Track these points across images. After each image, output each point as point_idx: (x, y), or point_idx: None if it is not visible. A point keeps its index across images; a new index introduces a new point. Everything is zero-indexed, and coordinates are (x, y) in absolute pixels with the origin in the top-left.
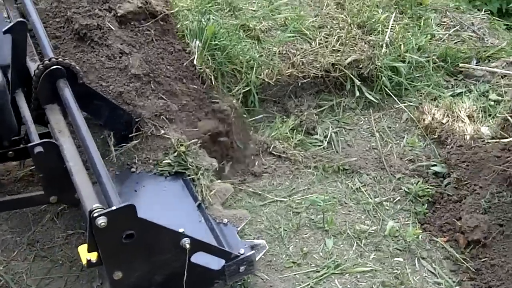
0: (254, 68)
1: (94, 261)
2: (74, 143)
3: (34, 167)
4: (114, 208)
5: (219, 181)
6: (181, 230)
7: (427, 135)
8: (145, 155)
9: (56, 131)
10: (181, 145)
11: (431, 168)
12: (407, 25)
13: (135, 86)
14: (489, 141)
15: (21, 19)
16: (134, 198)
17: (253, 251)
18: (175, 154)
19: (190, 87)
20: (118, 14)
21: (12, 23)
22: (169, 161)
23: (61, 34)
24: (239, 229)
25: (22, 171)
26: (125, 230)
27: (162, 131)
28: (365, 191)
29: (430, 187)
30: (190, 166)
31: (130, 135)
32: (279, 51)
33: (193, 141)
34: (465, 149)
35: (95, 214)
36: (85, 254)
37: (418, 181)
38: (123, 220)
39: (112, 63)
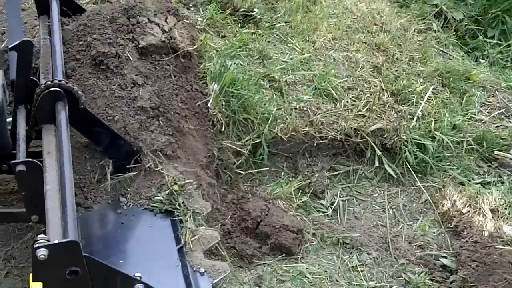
0: (269, 121)
1: None
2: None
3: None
4: (56, 242)
5: (204, 227)
6: (137, 275)
7: (443, 222)
8: (139, 188)
9: (45, 152)
10: (175, 183)
11: (439, 259)
12: (447, 99)
13: (140, 118)
14: (510, 244)
15: (27, 38)
16: (117, 229)
17: None
18: (168, 192)
19: (198, 128)
20: (140, 46)
21: (18, 41)
22: (161, 198)
23: (80, 57)
24: (214, 282)
25: (2, 188)
26: (69, 266)
27: (160, 167)
28: (361, 271)
29: (434, 281)
30: (178, 207)
31: (128, 166)
32: (300, 107)
33: (188, 181)
34: (479, 247)
35: (36, 245)
36: (32, 283)
37: (422, 272)
38: (66, 255)
39: (123, 92)
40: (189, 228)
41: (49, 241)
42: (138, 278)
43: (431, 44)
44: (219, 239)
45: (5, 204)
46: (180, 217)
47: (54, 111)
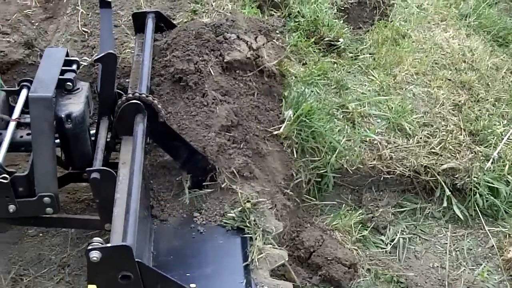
0: (336, 151)
1: None
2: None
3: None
4: (108, 245)
5: (272, 246)
6: (192, 286)
7: (506, 269)
8: (213, 204)
9: (120, 162)
10: (248, 201)
11: None
12: None
13: (219, 141)
14: None
15: (111, 51)
16: (188, 243)
17: None
18: (240, 209)
19: (276, 149)
20: (225, 60)
21: (102, 54)
22: (233, 215)
23: (164, 73)
24: None
25: (86, 194)
26: (121, 271)
27: (235, 186)
28: None
29: None
30: (249, 224)
31: (204, 183)
32: (370, 140)
33: (261, 200)
34: None
35: (90, 247)
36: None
37: None
38: (118, 259)
39: (200, 110)
40: (257, 246)
41: (102, 244)
42: None
43: None
44: (287, 259)
45: (71, 212)
46: (250, 235)
47: (134, 123)
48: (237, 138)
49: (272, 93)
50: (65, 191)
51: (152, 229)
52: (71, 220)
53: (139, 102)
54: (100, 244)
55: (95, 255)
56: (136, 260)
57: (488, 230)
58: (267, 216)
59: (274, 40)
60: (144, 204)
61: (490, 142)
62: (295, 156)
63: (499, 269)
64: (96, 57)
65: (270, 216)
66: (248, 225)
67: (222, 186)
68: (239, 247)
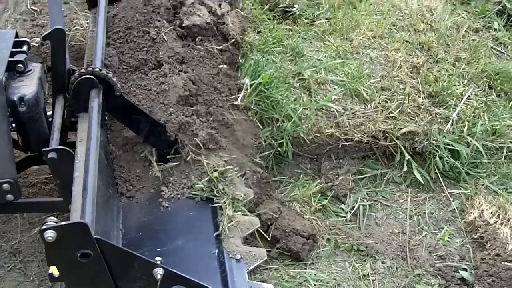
0: (292, 121)
1: (56, 276)
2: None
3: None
4: (63, 223)
5: (243, 213)
6: (158, 259)
7: (468, 232)
8: (180, 177)
9: (78, 140)
10: (215, 170)
11: (459, 271)
12: (491, 103)
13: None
14: None
15: (59, 26)
16: (157, 218)
17: None
18: (208, 179)
19: (243, 118)
20: (183, 25)
21: (49, 30)
22: (201, 185)
23: (117, 44)
24: (250, 268)
25: (38, 178)
26: (79, 249)
27: (200, 157)
28: (373, 280)
29: None
30: (217, 194)
31: (168, 156)
32: (326, 107)
33: (229, 167)
34: (499, 261)
35: (44, 227)
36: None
37: (438, 284)
38: (75, 237)
39: (155, 81)
40: (227, 214)
41: (57, 223)
42: (158, 262)
43: (486, 43)
44: (259, 225)
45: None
46: (220, 204)
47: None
48: (200, 111)
49: (234, 62)
50: (33, 174)
51: (120, 206)
52: (33, 204)
53: (92, 76)
54: (54, 223)
55: (50, 234)
56: (94, 236)
57: (450, 193)
58: (236, 184)
59: (238, 10)
60: (108, 182)
61: (450, 103)
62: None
63: (461, 232)
64: (44, 34)
65: (240, 183)
66: (217, 194)
67: (187, 159)
68: (210, 218)
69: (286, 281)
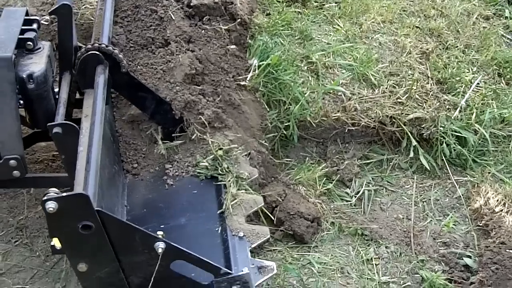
0: (299, 103)
1: (58, 248)
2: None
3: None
4: (64, 195)
5: (246, 192)
6: (159, 233)
7: (473, 219)
8: (185, 155)
9: (83, 115)
10: (220, 149)
11: (463, 258)
12: (500, 90)
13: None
14: None
15: (66, 1)
16: (162, 196)
17: (248, 271)
18: (212, 157)
19: (250, 98)
20: (191, 4)
21: (57, 5)
22: (206, 164)
23: (125, 23)
24: (253, 246)
25: (45, 154)
26: (81, 221)
27: (205, 136)
28: (376, 265)
29: (452, 281)
30: (221, 172)
31: (173, 135)
32: (334, 91)
33: (234, 146)
34: (504, 249)
35: (45, 198)
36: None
37: (441, 270)
38: (76, 209)
39: (162, 59)
40: (231, 192)
41: (58, 194)
42: (160, 236)
43: (496, 31)
44: (262, 204)
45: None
46: (224, 182)
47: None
48: (206, 90)
49: (242, 43)
50: (40, 150)
51: (125, 183)
52: (39, 179)
53: (98, 52)
54: (56, 194)
55: (51, 205)
56: (96, 209)
57: (456, 180)
58: (240, 162)
59: None
60: (114, 159)
61: (458, 90)
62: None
63: (466, 219)
64: (51, 10)
65: (244, 162)
66: (221, 172)
67: (192, 137)
68: (214, 196)
69: (290, 263)
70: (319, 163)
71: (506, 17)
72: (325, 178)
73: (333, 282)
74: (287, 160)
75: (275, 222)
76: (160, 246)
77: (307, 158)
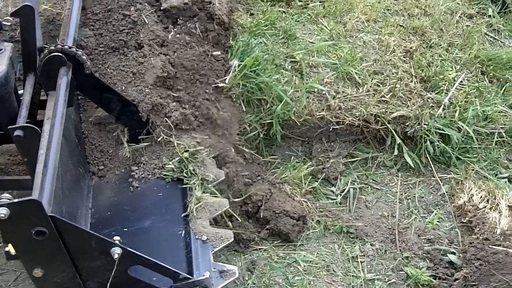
0: (282, 102)
1: (13, 254)
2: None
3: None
4: (16, 200)
5: (211, 195)
6: (116, 238)
7: (457, 216)
8: (151, 157)
9: (46, 118)
10: (186, 151)
11: (448, 255)
12: (483, 88)
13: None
14: None
15: (28, 3)
16: (127, 198)
17: (207, 276)
18: (178, 159)
19: (224, 99)
20: (162, 8)
21: (19, 7)
22: (172, 166)
23: (97, 25)
24: (216, 249)
25: (11, 157)
26: (34, 226)
27: (171, 138)
28: (361, 262)
29: (437, 278)
30: (187, 175)
31: (140, 137)
32: (318, 90)
33: (200, 148)
34: (487, 245)
35: None
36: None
37: (426, 267)
38: (29, 215)
39: (134, 62)
40: (195, 195)
41: (10, 199)
42: (117, 241)
43: (479, 29)
44: (228, 207)
45: (12, 174)
46: (189, 185)
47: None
48: (176, 93)
49: (221, 43)
50: (7, 153)
51: (90, 186)
52: (3, 181)
53: (61, 54)
54: (7, 200)
55: (2, 211)
56: (50, 214)
57: (440, 177)
58: (207, 164)
59: None
60: (79, 161)
61: (442, 88)
62: (244, 109)
63: (450, 216)
64: (12, 11)
65: (211, 164)
66: (186, 175)
67: (159, 140)
68: (179, 199)
69: (276, 261)
70: (305, 161)
71: (489, 16)
72: (310, 177)
73: (319, 280)
74: (272, 159)
75: (260, 221)
76: (116, 252)
77: (292, 157)
